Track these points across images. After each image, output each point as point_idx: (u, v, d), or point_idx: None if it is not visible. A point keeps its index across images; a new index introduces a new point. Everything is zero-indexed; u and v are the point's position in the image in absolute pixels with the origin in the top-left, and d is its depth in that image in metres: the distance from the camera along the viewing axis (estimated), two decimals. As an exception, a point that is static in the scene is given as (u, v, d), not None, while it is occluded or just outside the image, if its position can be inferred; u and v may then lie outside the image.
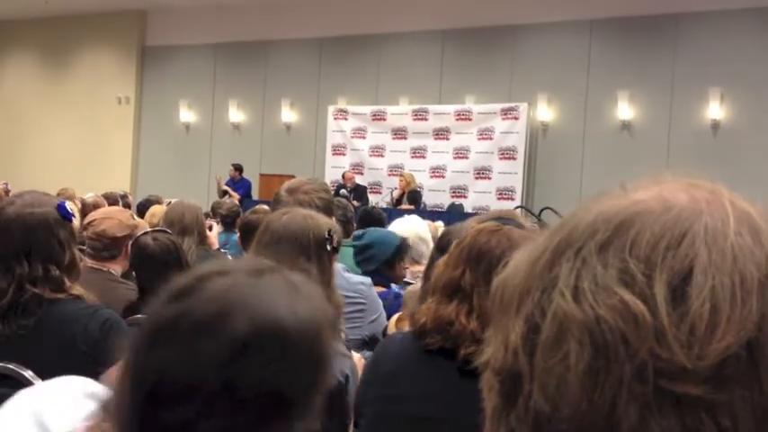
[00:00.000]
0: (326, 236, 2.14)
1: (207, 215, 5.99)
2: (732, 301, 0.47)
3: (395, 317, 2.69)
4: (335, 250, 2.21)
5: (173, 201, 7.29)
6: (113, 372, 1.04)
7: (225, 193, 12.03)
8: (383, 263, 3.50)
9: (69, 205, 2.26)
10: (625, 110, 11.65)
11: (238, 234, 4.23)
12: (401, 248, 3.64)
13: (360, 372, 2.11)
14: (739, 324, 0.47)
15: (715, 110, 11.02)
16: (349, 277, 2.85)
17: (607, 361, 0.48)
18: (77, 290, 2.18)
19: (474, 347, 1.80)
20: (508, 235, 1.93)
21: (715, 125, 11.07)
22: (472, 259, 1.86)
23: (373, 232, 3.78)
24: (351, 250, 3.91)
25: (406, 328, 2.06)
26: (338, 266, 2.36)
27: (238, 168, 13.03)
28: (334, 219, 2.56)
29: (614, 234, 0.51)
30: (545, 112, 12.27)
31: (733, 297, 0.48)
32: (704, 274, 0.48)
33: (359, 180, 12.55)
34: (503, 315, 0.55)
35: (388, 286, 3.47)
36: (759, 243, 0.50)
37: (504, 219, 2.19)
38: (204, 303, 0.95)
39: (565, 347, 0.50)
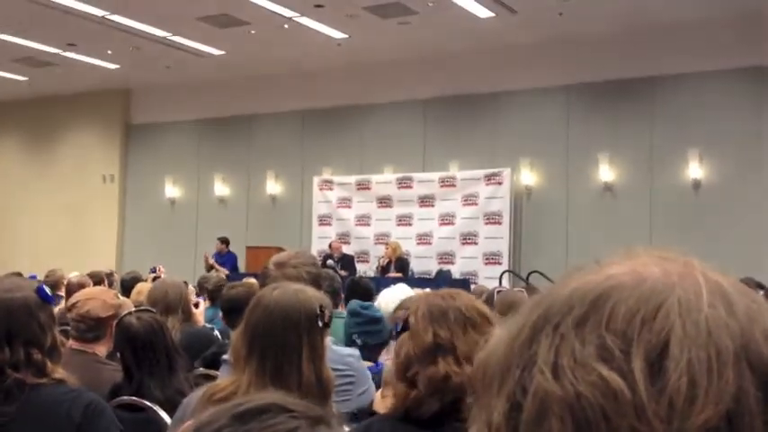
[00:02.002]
0: (318, 312, 2.13)
1: (194, 290, 5.94)
2: (709, 374, 0.48)
3: (379, 392, 2.66)
4: (326, 326, 2.19)
5: (156, 270, 7.26)
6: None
7: (212, 267, 11.98)
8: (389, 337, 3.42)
9: (48, 290, 2.24)
10: (606, 172, 11.80)
11: (221, 312, 4.16)
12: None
13: None
14: (717, 397, 0.47)
15: (695, 169, 11.19)
16: (338, 350, 2.83)
17: None
18: (60, 373, 2.15)
19: None
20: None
21: (696, 184, 11.21)
22: (438, 317, 1.91)
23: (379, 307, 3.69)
24: (340, 322, 3.86)
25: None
26: (327, 339, 2.34)
27: (225, 242, 12.99)
28: (322, 292, 2.54)
29: (590, 309, 0.52)
30: (528, 176, 12.40)
31: (710, 370, 0.48)
32: (680, 347, 0.48)
33: (346, 249, 12.54)
34: (485, 394, 0.55)
35: (375, 361, 3.42)
36: (733, 314, 0.50)
37: None
38: None
39: (546, 425, 0.49)
